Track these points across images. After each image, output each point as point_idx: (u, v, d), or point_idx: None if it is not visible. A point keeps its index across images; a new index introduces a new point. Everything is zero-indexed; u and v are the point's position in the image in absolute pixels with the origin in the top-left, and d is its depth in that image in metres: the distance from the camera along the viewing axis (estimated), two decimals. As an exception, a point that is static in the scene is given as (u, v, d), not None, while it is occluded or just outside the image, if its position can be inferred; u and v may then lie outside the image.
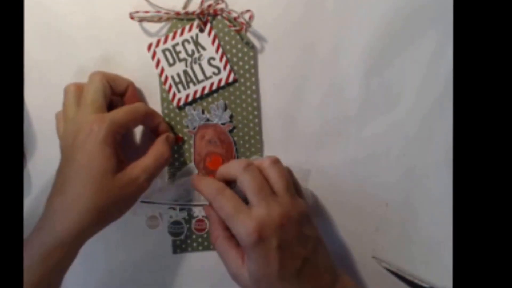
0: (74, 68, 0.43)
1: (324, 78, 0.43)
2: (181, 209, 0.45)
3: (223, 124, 0.43)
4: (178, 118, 0.44)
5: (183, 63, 0.42)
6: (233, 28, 0.42)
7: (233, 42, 0.42)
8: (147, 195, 0.44)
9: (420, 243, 0.44)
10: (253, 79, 0.43)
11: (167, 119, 0.43)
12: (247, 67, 0.43)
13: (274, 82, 0.43)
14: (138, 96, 0.43)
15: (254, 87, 0.43)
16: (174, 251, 0.45)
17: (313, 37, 0.42)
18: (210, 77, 0.43)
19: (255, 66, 0.43)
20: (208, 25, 0.42)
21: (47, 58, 0.43)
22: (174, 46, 0.42)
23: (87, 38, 0.43)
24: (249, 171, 0.37)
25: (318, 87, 0.43)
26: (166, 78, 0.43)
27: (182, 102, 0.43)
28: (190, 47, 0.42)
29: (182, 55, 0.42)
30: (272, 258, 0.34)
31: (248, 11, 0.42)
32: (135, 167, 0.38)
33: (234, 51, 0.42)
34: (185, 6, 0.42)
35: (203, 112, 0.43)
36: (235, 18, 0.41)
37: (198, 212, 0.45)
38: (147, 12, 0.42)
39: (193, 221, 0.45)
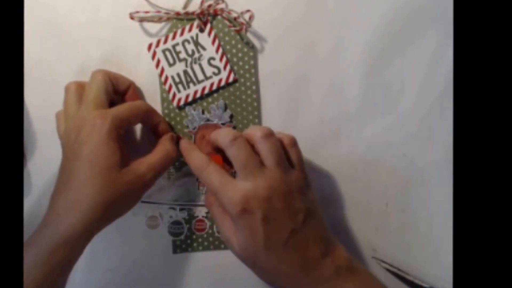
0: (74, 67, 0.43)
1: (324, 78, 0.43)
2: (181, 209, 0.45)
3: (223, 124, 0.43)
4: (178, 118, 0.44)
5: (183, 63, 0.42)
6: (233, 28, 0.42)
7: (233, 42, 0.42)
8: (147, 195, 0.44)
9: (420, 243, 0.44)
10: (253, 79, 0.43)
11: (167, 119, 0.43)
12: (247, 67, 0.43)
13: (274, 82, 0.43)
14: (139, 96, 0.43)
15: (254, 87, 0.43)
16: (174, 251, 0.45)
17: (313, 37, 0.43)
18: (210, 77, 0.43)
19: (255, 66, 0.43)
20: (208, 25, 0.42)
21: (47, 57, 0.43)
22: (174, 46, 0.42)
23: (88, 38, 0.43)
24: (235, 145, 0.36)
25: (318, 87, 0.43)
26: (166, 78, 0.43)
27: (182, 102, 0.43)
28: (190, 47, 0.42)
29: (182, 55, 0.42)
30: (257, 229, 0.35)
31: (248, 11, 0.42)
32: (142, 164, 0.38)
33: (234, 51, 0.42)
34: (185, 6, 0.42)
35: (203, 112, 0.43)
36: (235, 18, 0.41)
37: (198, 212, 0.45)
38: (147, 12, 0.42)
39: (193, 221, 0.45)
